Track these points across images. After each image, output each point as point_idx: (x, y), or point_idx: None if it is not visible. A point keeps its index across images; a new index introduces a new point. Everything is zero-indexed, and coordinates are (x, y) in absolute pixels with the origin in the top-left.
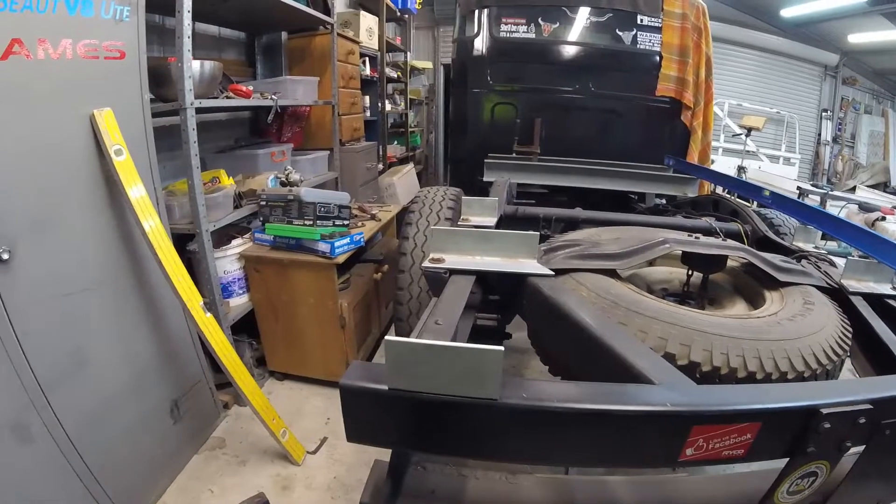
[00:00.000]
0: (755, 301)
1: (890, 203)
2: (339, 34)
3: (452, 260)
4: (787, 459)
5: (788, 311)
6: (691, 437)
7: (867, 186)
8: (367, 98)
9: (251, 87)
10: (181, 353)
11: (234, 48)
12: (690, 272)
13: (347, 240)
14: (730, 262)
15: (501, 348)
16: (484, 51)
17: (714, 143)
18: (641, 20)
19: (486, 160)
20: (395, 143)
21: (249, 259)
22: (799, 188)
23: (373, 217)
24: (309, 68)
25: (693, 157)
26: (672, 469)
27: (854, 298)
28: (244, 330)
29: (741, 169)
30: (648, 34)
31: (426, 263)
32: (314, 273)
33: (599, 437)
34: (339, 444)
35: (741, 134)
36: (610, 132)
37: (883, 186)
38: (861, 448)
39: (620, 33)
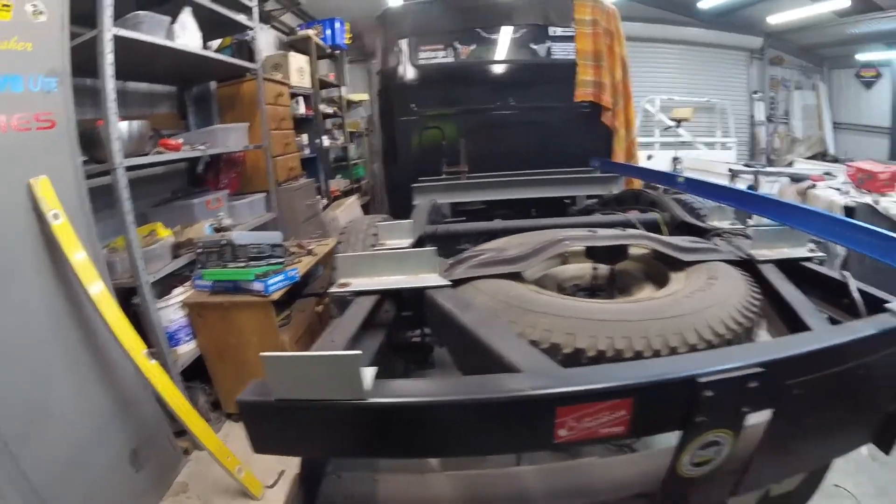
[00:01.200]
0: (664, 284)
1: (822, 170)
2: (266, 78)
3: (358, 283)
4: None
5: (689, 289)
6: (559, 419)
7: (806, 158)
8: (304, 136)
9: (181, 140)
10: (136, 402)
11: (165, 102)
12: (595, 266)
13: (281, 276)
14: (639, 251)
15: (359, 353)
16: (406, 79)
17: (649, 139)
18: (554, 32)
19: (412, 185)
20: (339, 176)
21: (192, 306)
22: (730, 170)
23: (309, 252)
24: (240, 114)
25: (618, 156)
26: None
27: (763, 266)
28: (197, 375)
29: (675, 160)
30: (562, 44)
31: (332, 289)
32: (253, 312)
33: (467, 427)
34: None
35: (672, 126)
36: (536, 142)
37: (821, 156)
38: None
39: (535, 47)
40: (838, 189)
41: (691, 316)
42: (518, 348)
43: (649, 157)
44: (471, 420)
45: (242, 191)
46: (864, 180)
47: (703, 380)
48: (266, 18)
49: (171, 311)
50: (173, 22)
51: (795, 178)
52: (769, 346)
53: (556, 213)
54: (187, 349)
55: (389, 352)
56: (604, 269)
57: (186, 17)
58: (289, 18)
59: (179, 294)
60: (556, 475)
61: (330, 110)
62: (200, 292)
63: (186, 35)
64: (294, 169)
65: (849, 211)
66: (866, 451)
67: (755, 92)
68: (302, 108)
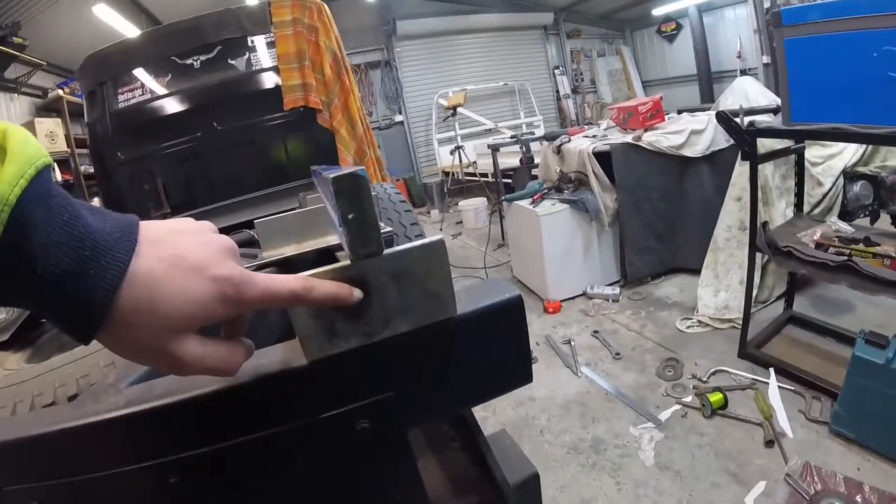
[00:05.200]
0: None
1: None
2: None
3: None
4: None
5: None
6: None
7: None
8: None
9: None
10: None
11: None
12: None
13: None
14: None
15: None
16: (108, 127)
17: (449, 134)
18: (252, 41)
19: None
20: None
21: None
22: (489, 146)
23: None
24: None
25: (346, 159)
26: None
27: None
28: None
29: (458, 149)
30: (263, 52)
31: None
32: None
33: None
34: None
35: (450, 116)
36: (257, 162)
37: None
38: None
39: (233, 62)
40: (594, 136)
41: None
42: None
43: (452, 152)
44: None
45: None
46: (628, 119)
47: None
48: (13, 88)
49: None
50: None
51: (549, 137)
52: None
53: None
54: None
55: None
56: None
57: None
58: (44, 79)
59: None
60: None
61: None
62: None
63: None
64: None
65: (602, 156)
66: None
67: (556, 67)
68: (57, 175)
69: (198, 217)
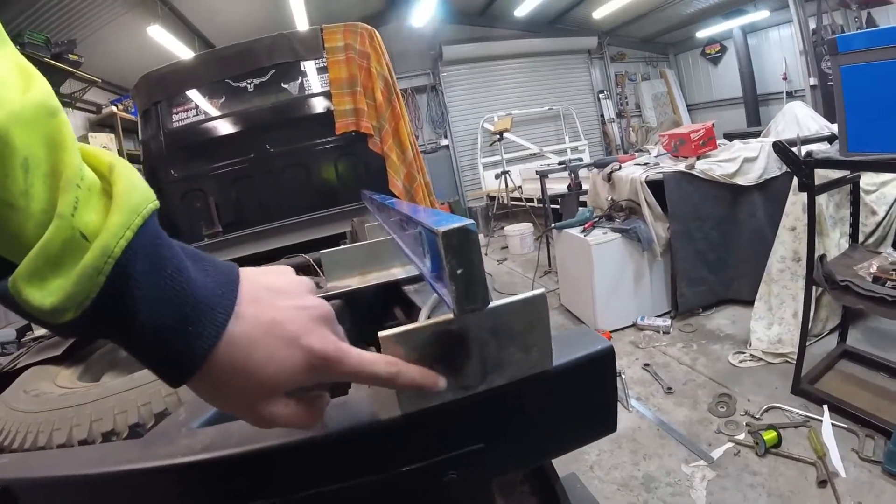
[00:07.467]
0: None
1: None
2: None
3: None
4: None
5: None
6: None
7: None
8: None
9: None
10: None
11: None
12: None
13: None
14: None
15: None
16: (162, 146)
17: (495, 158)
18: (304, 66)
19: None
20: None
21: None
22: (537, 172)
23: None
24: None
25: (396, 184)
26: None
27: None
28: None
29: (504, 173)
30: (315, 77)
31: None
32: None
33: None
34: None
35: (496, 141)
36: (308, 185)
37: None
38: None
39: (286, 86)
40: (645, 164)
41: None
42: None
43: (497, 177)
44: None
45: None
46: (679, 147)
47: None
48: (68, 103)
49: None
50: None
51: (599, 164)
52: None
53: None
54: None
55: None
56: None
57: None
58: (98, 95)
59: None
60: None
61: None
62: None
63: None
64: None
65: (653, 184)
66: None
67: (601, 91)
68: None
69: (250, 238)
